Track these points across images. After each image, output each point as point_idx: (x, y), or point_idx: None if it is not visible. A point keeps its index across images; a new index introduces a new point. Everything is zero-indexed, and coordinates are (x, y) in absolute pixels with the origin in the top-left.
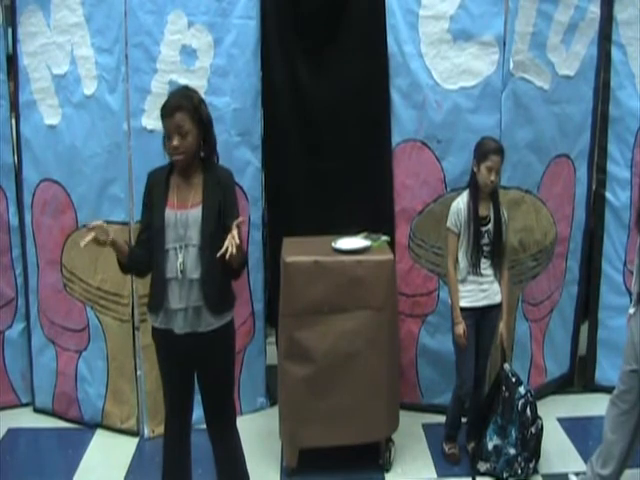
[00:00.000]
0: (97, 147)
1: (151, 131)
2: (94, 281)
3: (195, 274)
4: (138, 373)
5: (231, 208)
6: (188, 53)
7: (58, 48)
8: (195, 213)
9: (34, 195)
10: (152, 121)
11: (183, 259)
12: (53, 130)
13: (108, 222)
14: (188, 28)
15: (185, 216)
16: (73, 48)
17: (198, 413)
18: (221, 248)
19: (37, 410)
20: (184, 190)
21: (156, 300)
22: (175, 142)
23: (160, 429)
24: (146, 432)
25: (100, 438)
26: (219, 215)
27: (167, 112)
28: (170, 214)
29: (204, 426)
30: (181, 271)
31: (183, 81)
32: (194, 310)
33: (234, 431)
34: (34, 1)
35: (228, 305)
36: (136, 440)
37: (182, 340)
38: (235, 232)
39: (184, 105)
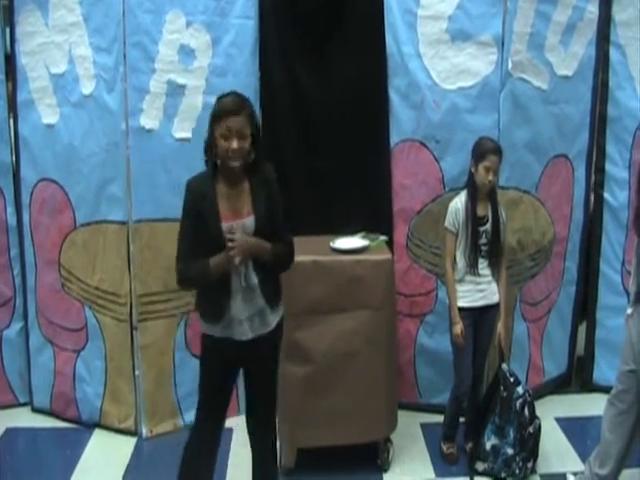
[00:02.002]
0: (95, 146)
1: (149, 130)
2: (92, 280)
3: (254, 280)
4: (136, 373)
5: (276, 208)
6: (186, 53)
7: (56, 47)
8: (250, 221)
9: (32, 195)
10: (150, 120)
11: (246, 269)
12: (51, 129)
13: (106, 222)
14: (186, 28)
15: (242, 225)
16: (71, 47)
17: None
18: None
19: (35, 410)
20: (234, 198)
21: (217, 312)
22: (235, 145)
23: (158, 429)
24: (144, 432)
25: (98, 438)
26: (272, 218)
27: (229, 112)
28: (228, 228)
29: None
30: (245, 280)
31: (181, 81)
32: (258, 315)
33: (275, 432)
34: (32, 0)
35: (280, 299)
36: (134, 440)
37: (243, 345)
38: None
39: (245, 108)
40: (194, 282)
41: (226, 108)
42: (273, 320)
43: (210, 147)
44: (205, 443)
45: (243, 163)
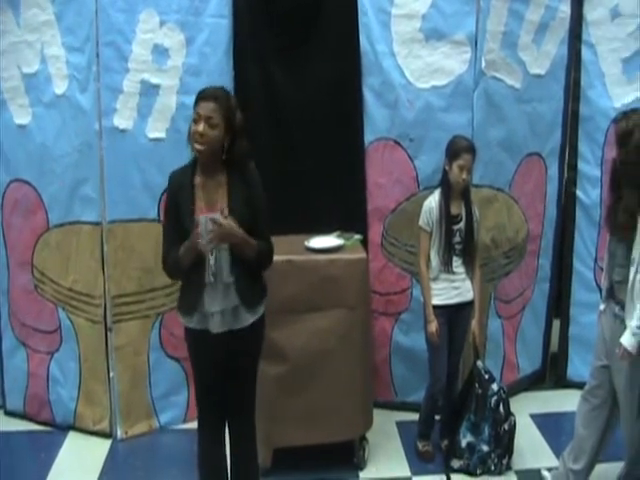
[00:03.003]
0: (68, 147)
1: (123, 131)
2: (65, 282)
3: (230, 277)
4: (111, 374)
5: (258, 210)
6: (160, 52)
7: (28, 47)
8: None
9: (4, 195)
10: (124, 120)
11: (215, 262)
12: (23, 130)
13: (80, 222)
14: (160, 27)
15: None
16: (43, 47)
17: (175, 412)
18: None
19: (8, 413)
20: (210, 191)
21: (191, 303)
22: (200, 127)
23: (133, 430)
24: (119, 433)
25: (72, 440)
26: (249, 215)
27: (203, 97)
28: (211, 217)
29: (182, 426)
30: (213, 274)
31: (155, 80)
32: (232, 311)
33: (254, 431)
34: None
35: (261, 299)
36: (109, 442)
37: (218, 338)
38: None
39: (221, 98)
40: (171, 272)
41: (200, 95)
42: (249, 318)
43: (188, 135)
44: (208, 444)
45: (210, 152)
